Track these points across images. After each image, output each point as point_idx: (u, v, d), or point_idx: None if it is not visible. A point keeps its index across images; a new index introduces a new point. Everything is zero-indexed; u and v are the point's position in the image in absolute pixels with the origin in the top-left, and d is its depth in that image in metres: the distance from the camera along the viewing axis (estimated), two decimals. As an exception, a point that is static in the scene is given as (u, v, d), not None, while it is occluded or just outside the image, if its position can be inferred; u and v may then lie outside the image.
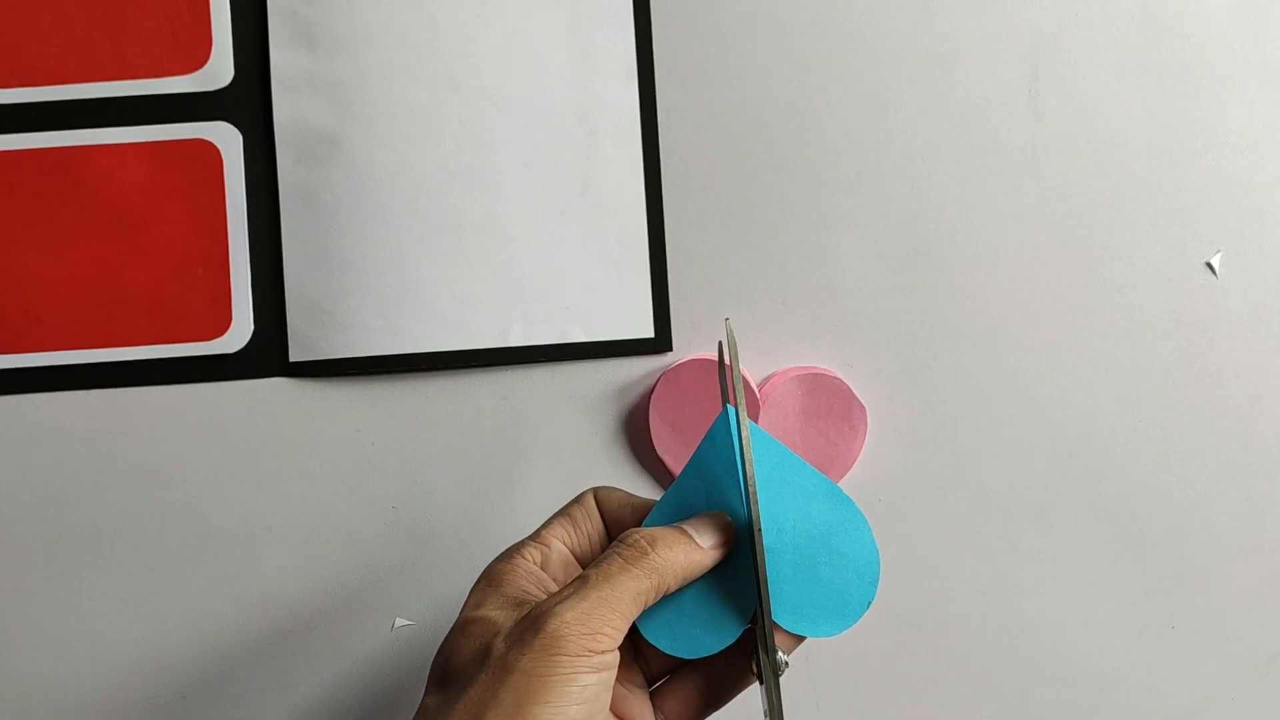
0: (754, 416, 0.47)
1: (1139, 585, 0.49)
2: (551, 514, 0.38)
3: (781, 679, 0.36)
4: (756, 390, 0.47)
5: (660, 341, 0.48)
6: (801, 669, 0.48)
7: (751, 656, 0.36)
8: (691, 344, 0.48)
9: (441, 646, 0.35)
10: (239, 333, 0.48)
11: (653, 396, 0.47)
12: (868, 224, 0.48)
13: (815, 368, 0.48)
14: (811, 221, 0.48)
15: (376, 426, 0.48)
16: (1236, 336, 0.48)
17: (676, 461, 0.47)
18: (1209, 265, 0.48)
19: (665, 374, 0.47)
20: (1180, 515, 0.49)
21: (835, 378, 0.47)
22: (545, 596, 0.34)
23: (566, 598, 0.33)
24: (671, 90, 0.48)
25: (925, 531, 0.49)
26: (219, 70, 0.48)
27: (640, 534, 0.35)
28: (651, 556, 0.34)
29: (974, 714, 0.49)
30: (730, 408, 0.37)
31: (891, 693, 0.49)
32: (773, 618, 0.36)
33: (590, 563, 0.36)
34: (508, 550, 0.37)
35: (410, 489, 0.48)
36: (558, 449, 0.48)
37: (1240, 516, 0.49)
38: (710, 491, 0.37)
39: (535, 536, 0.37)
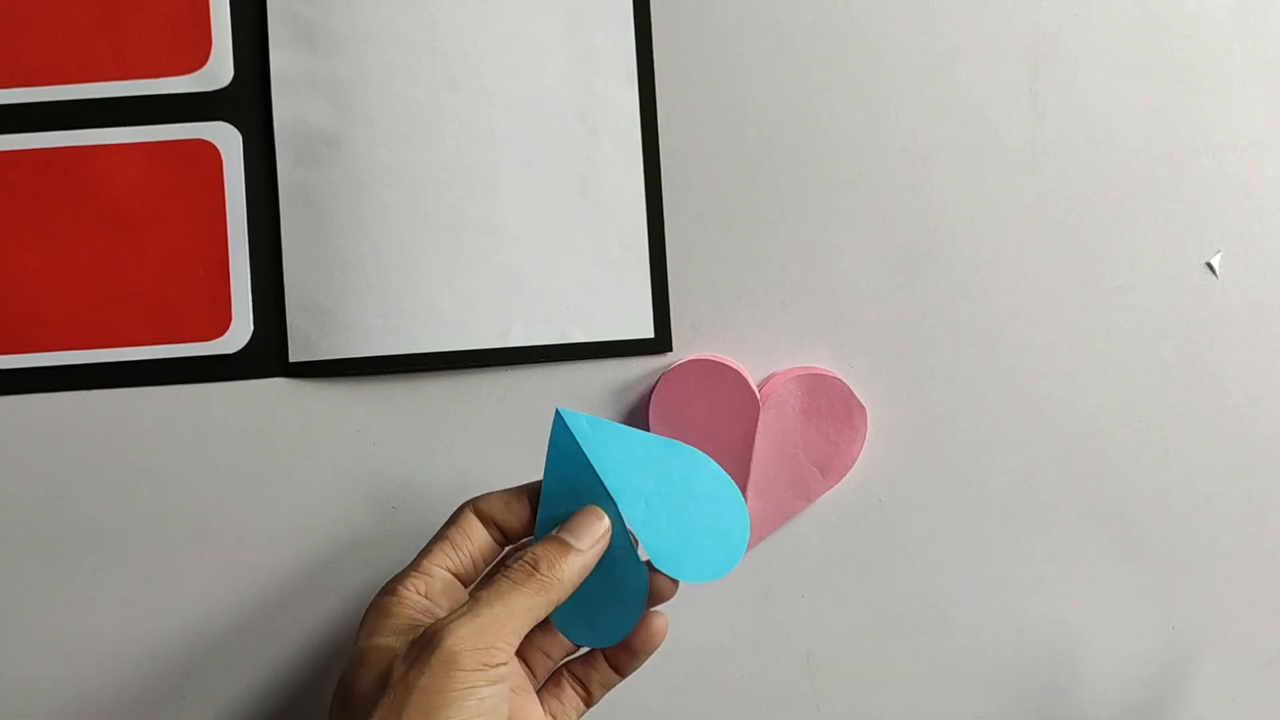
0: (754, 416, 0.47)
1: (1139, 585, 0.49)
2: (431, 538, 0.40)
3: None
4: (756, 390, 0.47)
5: (660, 342, 0.48)
6: (802, 669, 0.48)
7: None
8: (691, 344, 0.48)
9: (341, 679, 0.36)
10: (239, 333, 0.48)
11: (653, 397, 0.47)
12: (868, 224, 0.48)
13: (815, 368, 0.48)
14: (811, 221, 0.48)
15: (376, 426, 0.48)
16: (1236, 336, 0.48)
17: (676, 461, 0.47)
18: (1209, 265, 0.48)
19: (665, 374, 0.47)
20: (1180, 515, 0.49)
21: (835, 378, 0.47)
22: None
23: (460, 616, 0.34)
24: (671, 90, 0.48)
25: (925, 531, 0.49)
26: (219, 70, 0.48)
27: (524, 556, 0.37)
28: (538, 576, 0.36)
29: (974, 714, 0.49)
30: (559, 410, 0.40)
31: (891, 693, 0.49)
32: (677, 576, 0.39)
33: (474, 581, 0.39)
34: (389, 583, 0.38)
35: (410, 489, 0.48)
36: (558, 449, 0.48)
37: (1240, 516, 0.49)
38: (575, 492, 0.39)
39: (416, 566, 0.38)
